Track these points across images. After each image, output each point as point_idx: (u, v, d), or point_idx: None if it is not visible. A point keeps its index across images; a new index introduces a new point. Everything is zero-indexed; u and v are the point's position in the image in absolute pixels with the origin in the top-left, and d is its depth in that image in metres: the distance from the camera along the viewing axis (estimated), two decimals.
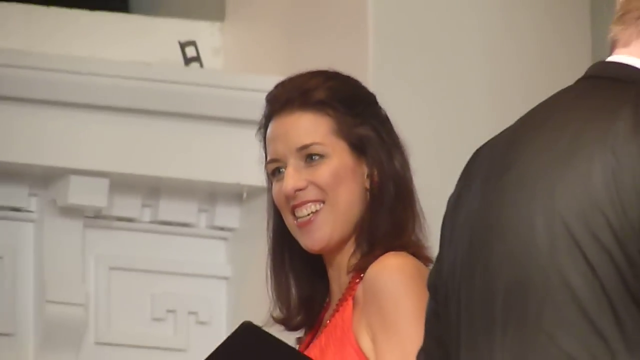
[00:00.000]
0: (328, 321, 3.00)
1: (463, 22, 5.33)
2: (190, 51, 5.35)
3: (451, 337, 2.20)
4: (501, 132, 2.22)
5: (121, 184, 5.11)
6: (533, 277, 2.10)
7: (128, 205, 5.20)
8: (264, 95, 3.02)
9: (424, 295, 2.53)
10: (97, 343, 5.10)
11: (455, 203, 2.25)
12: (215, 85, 5.26)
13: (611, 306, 2.05)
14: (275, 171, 2.99)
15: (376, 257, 2.93)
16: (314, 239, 2.99)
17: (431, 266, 2.61)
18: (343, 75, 3.11)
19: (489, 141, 2.24)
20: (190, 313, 5.13)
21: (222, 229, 5.32)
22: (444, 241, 2.24)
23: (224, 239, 5.36)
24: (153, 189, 5.23)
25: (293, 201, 2.97)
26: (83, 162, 5.06)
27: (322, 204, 3.02)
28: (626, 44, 2.18)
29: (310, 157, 3.01)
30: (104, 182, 5.07)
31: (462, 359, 2.12)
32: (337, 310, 2.99)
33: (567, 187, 2.10)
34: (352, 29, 5.25)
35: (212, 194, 5.28)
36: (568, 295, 2.07)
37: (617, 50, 2.17)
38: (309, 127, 3.10)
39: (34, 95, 5.06)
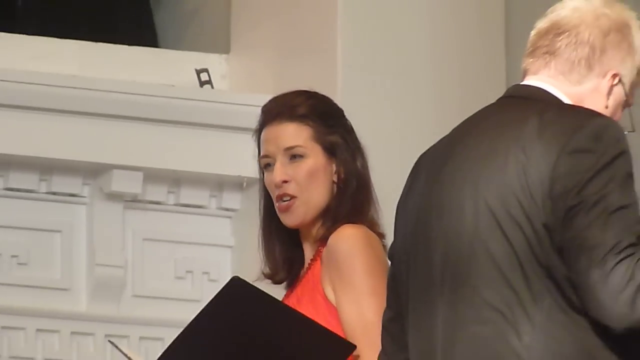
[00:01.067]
0: (302, 278, 3.46)
1: (413, 54, 5.80)
2: (204, 76, 5.88)
3: (402, 294, 2.66)
4: (440, 139, 2.68)
5: (152, 175, 5.68)
6: (462, 245, 2.53)
7: (157, 192, 5.78)
8: (258, 109, 3.50)
9: (373, 257, 3.22)
10: (134, 296, 5.71)
11: (407, 192, 2.66)
12: (223, 102, 5.85)
13: (521, 267, 2.46)
14: (267, 165, 3.45)
15: (335, 227, 3.38)
16: (290, 220, 3.45)
17: (383, 240, 3.26)
18: (320, 95, 3.57)
19: (431, 146, 2.70)
20: (204, 273, 5.69)
21: (227, 209, 5.86)
22: (399, 220, 2.67)
23: (229, 217, 5.90)
24: (176, 179, 5.79)
25: (278, 190, 3.43)
26: (123, 159, 5.67)
27: (296, 198, 3.52)
28: (535, 72, 2.64)
29: (293, 156, 3.45)
30: (139, 175, 5.64)
31: (410, 312, 2.61)
32: (309, 269, 3.42)
33: (488, 178, 2.52)
34: (324, 60, 5.78)
35: (220, 183, 5.83)
36: (489, 259, 2.49)
37: (528, 77, 2.64)
38: (294, 133, 3.50)
39: (86, 110, 5.65)
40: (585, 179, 2.55)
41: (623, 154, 2.63)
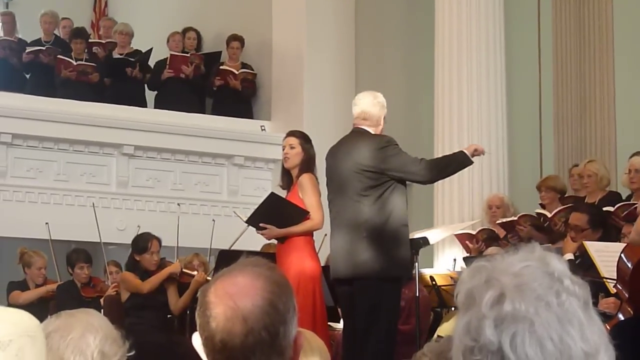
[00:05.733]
0: (292, 189, 5.84)
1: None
2: (263, 128, 9.59)
3: (329, 191, 5.53)
4: (336, 143, 5.62)
5: (248, 158, 9.42)
6: (344, 178, 5.36)
7: (253, 163, 9.36)
8: (281, 138, 6.07)
9: (313, 183, 5.90)
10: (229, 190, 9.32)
11: (328, 161, 5.54)
12: (269, 136, 9.29)
13: (364, 184, 5.23)
14: (283, 149, 5.89)
15: (302, 174, 5.79)
16: (287, 166, 5.89)
17: (317, 178, 5.87)
18: (302, 131, 6.12)
19: (333, 145, 5.63)
20: (264, 188, 8.78)
21: (270, 169, 9.40)
22: (328, 170, 5.53)
23: (271, 170, 9.33)
24: (254, 159, 9.52)
25: (284, 157, 5.88)
26: (239, 152, 9.37)
27: (288, 159, 5.80)
28: (361, 124, 5.41)
29: (291, 147, 5.86)
30: (242, 158, 9.39)
31: (331, 200, 5.46)
32: (293, 186, 5.88)
33: (354, 155, 5.33)
34: (294, 120, 8.78)
35: (267, 160, 9.40)
36: (351, 183, 5.35)
37: (359, 125, 5.44)
38: (292, 140, 5.94)
39: (226, 137, 9.32)
40: (387, 155, 5.19)
41: (395, 145, 5.21)
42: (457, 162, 5.40)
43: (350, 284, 5.27)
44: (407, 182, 5.34)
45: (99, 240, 8.16)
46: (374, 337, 5.19)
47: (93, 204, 8.44)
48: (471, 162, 5.44)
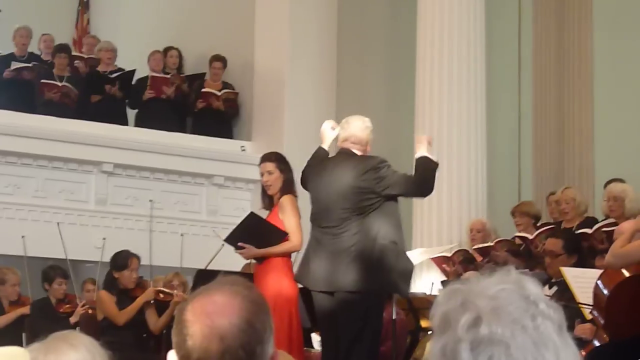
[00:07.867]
0: (272, 210, 5.86)
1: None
2: (243, 148, 9.63)
3: (313, 209, 5.45)
4: (321, 163, 5.50)
5: (229, 178, 9.44)
6: (334, 200, 5.27)
7: (231, 183, 9.42)
8: (258, 158, 6.04)
9: (294, 204, 5.88)
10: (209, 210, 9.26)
11: (311, 182, 5.47)
12: (249, 156, 9.07)
13: (352, 203, 5.14)
14: (262, 175, 5.91)
15: (282, 195, 5.82)
16: (270, 192, 5.88)
17: (296, 198, 5.87)
18: (279, 153, 6.07)
19: (317, 165, 5.50)
20: (243, 208, 8.88)
21: (249, 189, 9.46)
22: (312, 191, 5.46)
23: (250, 191, 9.37)
24: (234, 179, 9.54)
25: (264, 184, 5.88)
26: (220, 172, 9.36)
27: (270, 187, 5.77)
28: (347, 145, 5.38)
29: (269, 173, 5.85)
30: (222, 178, 9.40)
31: (316, 217, 5.38)
32: (274, 207, 5.88)
33: (346, 176, 5.27)
34: (275, 143, 8.73)
35: (248, 180, 9.37)
36: (341, 203, 5.24)
37: (347, 147, 5.39)
38: (269, 165, 5.89)
39: (205, 156, 9.28)
40: (382, 176, 5.12)
41: (388, 165, 5.19)
42: (432, 169, 5.32)
43: (331, 296, 5.27)
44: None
45: (75, 258, 8.17)
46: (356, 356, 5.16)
47: (58, 223, 8.40)
48: (437, 164, 5.40)
